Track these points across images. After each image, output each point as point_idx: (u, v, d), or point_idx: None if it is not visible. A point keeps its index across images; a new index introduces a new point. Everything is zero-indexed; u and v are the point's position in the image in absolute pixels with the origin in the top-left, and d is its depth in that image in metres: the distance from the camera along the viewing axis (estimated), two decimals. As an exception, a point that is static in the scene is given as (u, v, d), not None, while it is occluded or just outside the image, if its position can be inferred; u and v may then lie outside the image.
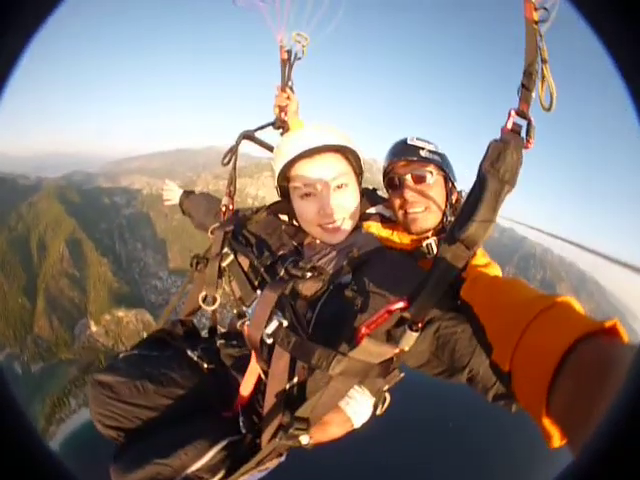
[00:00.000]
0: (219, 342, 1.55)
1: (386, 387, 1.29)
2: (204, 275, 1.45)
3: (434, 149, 1.58)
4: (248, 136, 1.90)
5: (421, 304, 0.93)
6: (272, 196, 1.63)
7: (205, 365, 1.48)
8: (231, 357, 1.48)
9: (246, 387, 1.31)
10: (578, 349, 0.66)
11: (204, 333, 1.73)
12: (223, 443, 1.23)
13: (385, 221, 1.62)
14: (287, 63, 2.11)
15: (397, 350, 1.00)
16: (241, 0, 2.04)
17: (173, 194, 2.31)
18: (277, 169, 1.36)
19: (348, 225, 1.36)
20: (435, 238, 1.53)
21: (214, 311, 1.55)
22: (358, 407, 1.33)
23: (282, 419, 1.11)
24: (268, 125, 2.08)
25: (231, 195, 1.79)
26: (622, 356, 0.53)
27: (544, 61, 1.02)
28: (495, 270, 1.33)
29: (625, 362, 0.50)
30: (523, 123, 0.96)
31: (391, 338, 1.07)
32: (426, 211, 1.53)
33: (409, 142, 1.58)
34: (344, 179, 1.32)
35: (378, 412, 1.34)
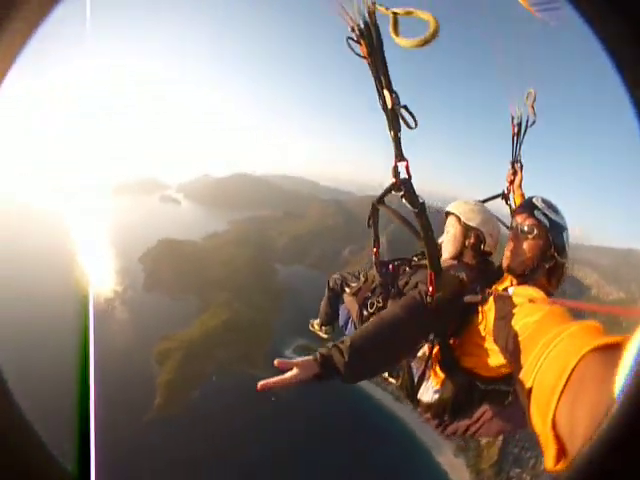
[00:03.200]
0: None
1: None
2: None
3: (550, 214, 1.84)
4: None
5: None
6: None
7: None
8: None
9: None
10: (579, 366, 0.68)
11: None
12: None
13: None
14: (517, 137, 2.17)
15: None
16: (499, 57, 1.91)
17: None
18: None
19: (447, 252, 2.35)
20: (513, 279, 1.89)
21: None
22: None
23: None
24: (497, 197, 2.56)
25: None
26: (619, 370, 0.53)
27: None
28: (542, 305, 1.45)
29: (622, 376, 0.51)
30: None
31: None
32: (513, 256, 1.89)
33: (533, 201, 1.92)
34: (450, 228, 2.42)
35: None
